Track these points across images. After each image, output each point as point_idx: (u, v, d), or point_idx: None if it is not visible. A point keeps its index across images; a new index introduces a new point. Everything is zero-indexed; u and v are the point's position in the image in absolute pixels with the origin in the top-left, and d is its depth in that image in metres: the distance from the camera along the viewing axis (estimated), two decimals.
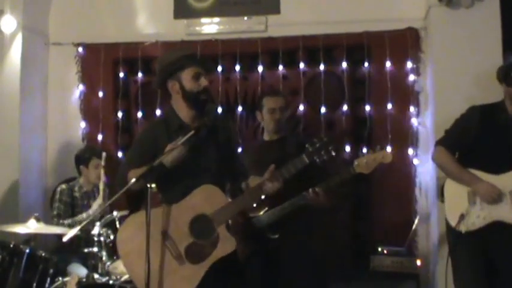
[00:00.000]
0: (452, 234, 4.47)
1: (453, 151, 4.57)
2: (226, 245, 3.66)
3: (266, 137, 5.16)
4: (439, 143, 4.66)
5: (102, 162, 5.66)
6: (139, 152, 3.89)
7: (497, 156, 4.39)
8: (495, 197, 4.27)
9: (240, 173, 4.04)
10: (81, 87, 6.75)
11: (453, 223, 4.38)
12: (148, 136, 3.93)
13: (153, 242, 3.56)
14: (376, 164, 4.46)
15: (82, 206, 5.74)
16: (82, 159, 5.85)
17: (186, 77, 3.79)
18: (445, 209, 4.53)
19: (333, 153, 3.75)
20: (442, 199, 4.59)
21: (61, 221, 5.51)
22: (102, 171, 5.54)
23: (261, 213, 4.72)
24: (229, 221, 3.89)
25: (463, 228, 4.30)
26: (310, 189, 4.54)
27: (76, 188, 5.79)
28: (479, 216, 4.30)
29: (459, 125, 4.63)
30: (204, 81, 3.80)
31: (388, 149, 5.79)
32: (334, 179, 4.58)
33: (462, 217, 4.31)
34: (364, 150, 5.92)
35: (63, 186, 5.77)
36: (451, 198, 4.50)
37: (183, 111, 3.86)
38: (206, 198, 3.72)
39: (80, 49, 6.75)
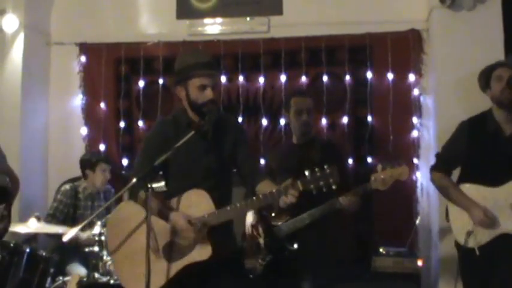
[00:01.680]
0: (461, 252, 4.40)
1: (448, 172, 4.54)
2: (201, 252, 3.63)
3: (294, 139, 5.05)
4: (432, 168, 4.65)
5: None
6: (149, 156, 3.78)
7: (493, 168, 4.32)
8: (489, 224, 4.21)
9: (250, 174, 3.91)
10: (82, 87, 6.76)
11: (461, 241, 4.30)
12: (156, 138, 3.89)
13: (140, 231, 3.65)
14: (393, 180, 4.38)
15: (85, 208, 5.74)
16: (89, 163, 5.81)
17: (192, 86, 3.75)
18: (452, 228, 4.46)
19: (334, 187, 3.47)
20: (447, 218, 4.51)
21: (53, 223, 5.45)
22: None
23: (281, 222, 4.70)
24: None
25: (471, 244, 4.23)
26: (341, 198, 4.52)
27: (80, 189, 5.78)
28: (485, 233, 4.22)
29: (448, 144, 4.61)
30: (209, 94, 3.73)
31: (390, 151, 5.85)
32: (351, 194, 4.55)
33: (469, 234, 4.24)
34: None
35: (67, 186, 5.77)
36: (456, 216, 4.41)
37: (190, 113, 3.85)
38: (194, 202, 3.71)
39: (82, 49, 6.75)
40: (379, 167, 4.46)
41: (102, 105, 6.69)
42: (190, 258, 3.65)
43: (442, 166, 4.57)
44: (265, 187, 3.73)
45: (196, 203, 3.70)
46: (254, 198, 3.62)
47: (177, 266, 3.67)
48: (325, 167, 3.48)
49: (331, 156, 4.73)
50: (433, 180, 4.64)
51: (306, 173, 3.50)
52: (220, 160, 3.86)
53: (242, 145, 3.95)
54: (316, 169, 3.49)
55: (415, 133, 6.06)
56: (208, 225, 3.63)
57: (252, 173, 3.92)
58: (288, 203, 3.54)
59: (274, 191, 3.55)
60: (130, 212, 3.85)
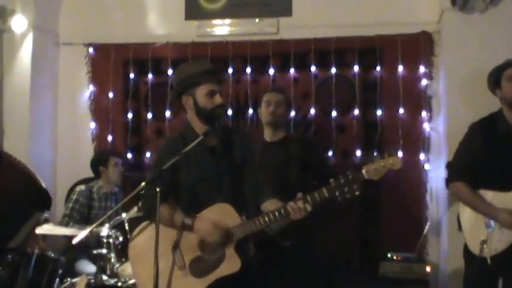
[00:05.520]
0: (474, 262, 4.28)
1: (471, 179, 4.34)
2: (231, 264, 3.63)
3: (266, 137, 5.13)
4: (453, 178, 4.47)
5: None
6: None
7: (506, 171, 4.22)
8: None
9: (255, 190, 3.88)
10: (91, 87, 6.77)
11: (476, 251, 4.21)
12: (165, 154, 3.83)
13: (163, 250, 3.59)
14: (386, 170, 4.32)
15: (99, 208, 5.76)
16: (100, 160, 5.90)
17: (200, 93, 3.74)
18: (464, 238, 4.37)
19: (357, 193, 3.54)
20: (459, 228, 4.44)
21: (71, 223, 5.50)
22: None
23: None
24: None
25: (487, 254, 4.13)
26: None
27: (95, 190, 5.81)
28: (500, 240, 4.12)
29: (465, 149, 4.47)
30: (218, 99, 3.74)
31: (399, 154, 5.81)
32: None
33: (483, 243, 4.15)
34: (375, 154, 5.93)
35: (82, 187, 5.79)
36: (468, 226, 4.34)
37: (198, 125, 3.82)
38: (220, 216, 3.68)
39: (90, 49, 6.77)
40: (372, 158, 4.39)
41: (110, 105, 6.69)
42: (220, 272, 3.64)
43: (462, 175, 4.40)
44: (271, 205, 3.72)
45: (222, 217, 3.68)
46: (282, 211, 3.59)
47: (207, 280, 3.66)
48: (348, 172, 3.53)
49: (310, 152, 4.98)
50: (455, 191, 4.47)
51: (331, 180, 3.52)
52: (231, 174, 3.83)
53: (251, 160, 3.93)
54: (340, 176, 3.52)
55: (425, 137, 6.01)
56: (237, 237, 3.63)
57: (258, 189, 3.88)
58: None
59: (283, 209, 3.58)
60: (151, 231, 3.81)
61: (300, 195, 3.58)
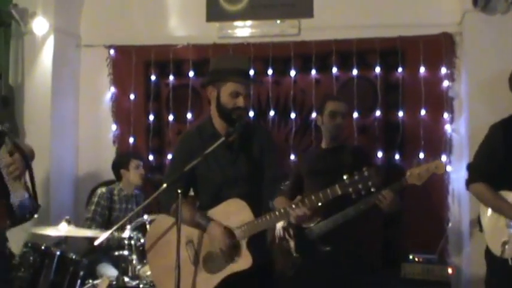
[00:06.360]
0: (496, 263, 4.22)
1: (491, 181, 4.27)
2: (243, 261, 3.64)
3: (323, 144, 5.10)
4: (473, 179, 4.39)
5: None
6: (177, 168, 3.77)
7: None
8: None
9: (268, 187, 3.88)
10: (112, 89, 6.79)
11: (497, 252, 4.15)
12: (182, 151, 3.90)
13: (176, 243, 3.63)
14: (429, 174, 4.33)
15: (120, 210, 5.76)
16: (121, 162, 5.91)
17: (226, 90, 3.74)
18: (486, 239, 4.31)
19: (373, 190, 3.49)
20: (480, 229, 4.39)
21: (93, 227, 5.51)
22: None
23: (313, 224, 4.67)
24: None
25: (508, 255, 4.07)
26: (384, 192, 4.46)
27: (115, 192, 5.81)
28: None
29: (485, 150, 4.40)
30: (240, 102, 3.73)
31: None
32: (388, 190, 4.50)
33: (505, 244, 4.09)
34: (397, 156, 5.93)
35: (103, 189, 5.79)
36: (489, 227, 4.28)
37: (217, 120, 3.85)
38: (233, 212, 3.71)
39: (112, 51, 6.78)
40: (415, 162, 4.47)
41: (132, 107, 6.71)
42: (232, 268, 3.65)
43: (482, 176, 4.33)
44: (278, 204, 3.74)
45: (236, 213, 3.70)
46: (282, 210, 3.59)
47: (219, 276, 3.67)
48: (364, 169, 3.48)
49: (362, 161, 4.76)
50: (475, 192, 4.40)
51: (344, 176, 3.49)
52: (249, 169, 3.84)
53: (268, 154, 3.93)
54: (355, 172, 3.49)
55: (446, 138, 5.97)
56: (249, 235, 3.64)
57: (272, 186, 3.88)
58: (297, 218, 3.57)
59: (284, 209, 3.58)
60: (167, 225, 3.84)
61: (298, 198, 3.57)
